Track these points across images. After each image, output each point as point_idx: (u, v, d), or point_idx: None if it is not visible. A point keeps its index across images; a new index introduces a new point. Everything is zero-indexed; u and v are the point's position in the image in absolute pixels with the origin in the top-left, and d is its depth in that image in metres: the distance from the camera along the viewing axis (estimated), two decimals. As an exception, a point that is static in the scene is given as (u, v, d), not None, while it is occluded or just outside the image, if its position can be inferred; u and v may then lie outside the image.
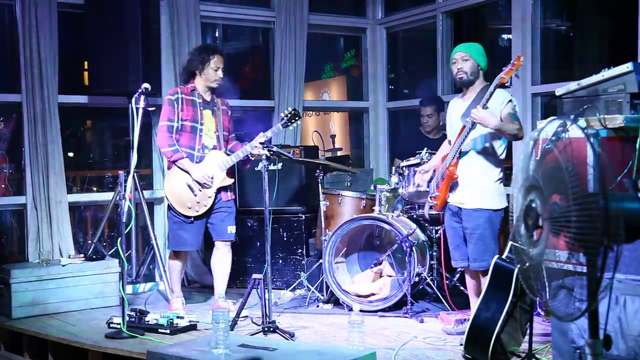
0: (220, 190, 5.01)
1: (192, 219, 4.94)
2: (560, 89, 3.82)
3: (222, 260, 5.11)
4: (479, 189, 4.22)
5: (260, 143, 4.85)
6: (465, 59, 4.25)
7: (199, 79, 4.99)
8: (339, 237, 5.22)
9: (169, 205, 5.06)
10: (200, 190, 4.91)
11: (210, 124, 5.01)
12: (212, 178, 4.91)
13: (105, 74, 5.55)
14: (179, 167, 4.91)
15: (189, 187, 4.90)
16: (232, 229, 5.09)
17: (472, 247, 4.24)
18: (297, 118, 5.01)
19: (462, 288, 5.02)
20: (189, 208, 4.92)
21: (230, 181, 5.03)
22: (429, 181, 4.54)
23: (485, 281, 4.25)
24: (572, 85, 3.72)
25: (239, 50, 9.29)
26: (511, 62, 4.04)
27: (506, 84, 4.10)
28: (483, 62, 4.29)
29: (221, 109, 5.10)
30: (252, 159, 5.13)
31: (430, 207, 4.51)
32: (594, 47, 6.12)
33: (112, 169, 6.84)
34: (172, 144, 4.88)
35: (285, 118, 5.00)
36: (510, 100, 4.17)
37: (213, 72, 4.95)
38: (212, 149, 4.99)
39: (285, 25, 6.64)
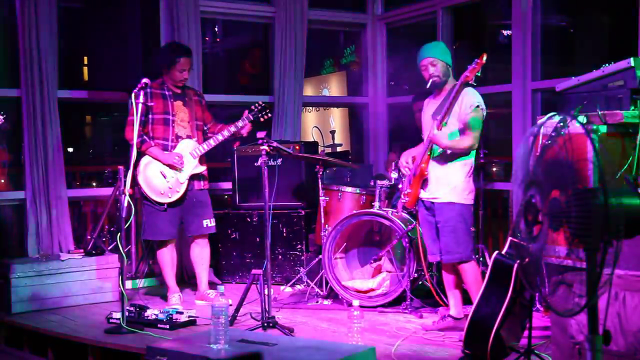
0: (192, 178, 5.16)
1: (166, 206, 5.08)
2: (561, 84, 3.82)
3: (201, 253, 5.31)
4: (451, 184, 4.28)
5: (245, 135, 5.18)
6: (433, 64, 4.29)
7: (165, 76, 5.15)
8: (339, 233, 5.22)
9: (143, 195, 5.13)
10: (173, 177, 5.06)
11: (183, 115, 5.18)
12: (181, 158, 5.05)
13: (104, 69, 5.57)
14: (149, 155, 5.06)
15: (162, 174, 5.06)
16: (207, 222, 5.24)
17: (445, 240, 4.30)
18: (266, 111, 5.20)
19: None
20: (162, 194, 5.07)
21: (202, 168, 5.19)
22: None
23: (463, 273, 4.30)
24: (572, 81, 3.72)
25: (238, 45, 9.29)
26: (474, 60, 4.04)
27: (471, 82, 4.10)
28: (449, 59, 4.33)
29: (193, 99, 5.24)
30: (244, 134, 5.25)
31: (403, 204, 4.54)
32: (594, 42, 6.12)
33: (111, 164, 6.85)
34: (139, 134, 4.94)
35: (253, 109, 5.17)
36: (477, 106, 4.18)
37: (178, 74, 5.11)
38: (185, 138, 5.14)
39: (285, 21, 6.63)
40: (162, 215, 5.10)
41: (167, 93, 5.12)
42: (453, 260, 4.30)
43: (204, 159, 5.22)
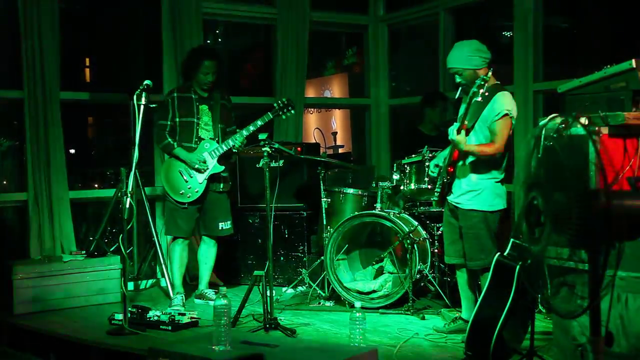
0: (212, 178, 5.20)
1: (186, 205, 5.16)
2: (562, 86, 3.82)
3: (207, 252, 5.39)
4: (474, 189, 4.20)
5: (246, 137, 5.14)
6: (458, 73, 4.19)
7: (193, 79, 5.21)
8: (341, 234, 5.22)
9: (165, 192, 5.25)
10: (192, 177, 5.14)
11: (207, 118, 5.24)
12: (205, 162, 5.14)
13: (106, 71, 5.57)
14: (174, 157, 5.18)
15: (181, 174, 5.14)
16: (223, 225, 5.31)
17: (468, 246, 4.25)
18: (289, 108, 5.17)
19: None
20: (181, 194, 5.15)
21: (221, 168, 5.21)
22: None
23: (484, 280, 4.26)
24: (574, 82, 3.71)
25: (240, 47, 9.29)
26: (481, 77, 3.99)
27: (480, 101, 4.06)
28: (477, 62, 4.14)
29: (220, 102, 5.29)
30: (236, 150, 5.25)
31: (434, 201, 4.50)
32: (596, 44, 6.11)
33: (113, 165, 6.85)
34: (164, 139, 5.16)
35: (276, 107, 5.16)
36: (506, 114, 4.08)
37: (203, 77, 5.16)
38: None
39: (287, 22, 6.63)
40: (182, 213, 5.19)
41: (193, 96, 5.21)
42: (476, 267, 4.24)
43: (225, 159, 5.25)
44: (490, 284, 3.74)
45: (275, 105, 5.18)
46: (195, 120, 5.18)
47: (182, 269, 5.32)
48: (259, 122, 5.11)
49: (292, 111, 5.22)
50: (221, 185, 5.28)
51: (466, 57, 4.16)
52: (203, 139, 5.19)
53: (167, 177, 5.20)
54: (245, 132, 5.12)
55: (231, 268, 6.09)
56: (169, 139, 5.15)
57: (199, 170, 5.13)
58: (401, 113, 7.36)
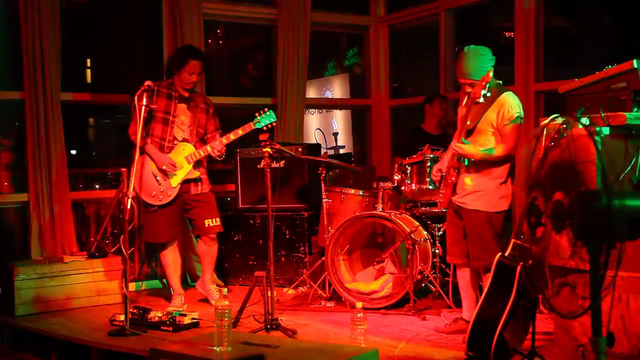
0: (188, 182, 5.10)
1: (156, 207, 5.05)
2: (564, 86, 3.82)
3: (206, 251, 5.29)
4: (479, 190, 4.21)
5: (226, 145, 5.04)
6: (471, 85, 4.16)
7: (176, 77, 5.10)
8: (342, 235, 5.22)
9: (139, 196, 5.09)
10: (165, 180, 5.03)
11: (184, 118, 5.13)
12: (174, 167, 5.01)
13: (107, 72, 5.58)
14: (147, 153, 5.03)
15: (154, 175, 5.03)
16: (210, 222, 5.16)
17: (472, 246, 4.25)
18: (271, 120, 5.05)
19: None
20: (153, 196, 5.05)
21: (197, 174, 5.11)
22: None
23: (486, 280, 4.26)
24: (575, 83, 3.71)
25: (241, 47, 9.31)
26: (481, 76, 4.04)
27: (478, 101, 4.07)
28: (488, 69, 4.13)
29: (199, 106, 5.18)
30: (219, 158, 5.16)
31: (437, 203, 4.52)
32: (596, 44, 6.12)
33: (114, 166, 6.86)
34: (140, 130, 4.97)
35: (259, 117, 5.05)
36: (517, 117, 4.10)
37: (187, 76, 5.05)
38: (182, 141, 5.09)
39: (288, 23, 6.63)
40: (158, 217, 5.08)
41: (173, 94, 5.09)
42: (479, 267, 4.25)
43: (201, 164, 5.17)
44: (491, 284, 3.73)
45: (256, 115, 5.07)
46: (171, 118, 5.07)
47: (177, 271, 5.28)
48: (240, 132, 5.02)
49: (274, 123, 5.08)
50: (199, 188, 5.15)
51: (481, 68, 4.15)
52: (178, 140, 5.07)
53: (140, 177, 5.03)
54: (225, 140, 5.03)
55: (232, 268, 6.09)
56: (144, 133, 4.98)
57: (165, 172, 5.01)
58: (404, 114, 7.36)
